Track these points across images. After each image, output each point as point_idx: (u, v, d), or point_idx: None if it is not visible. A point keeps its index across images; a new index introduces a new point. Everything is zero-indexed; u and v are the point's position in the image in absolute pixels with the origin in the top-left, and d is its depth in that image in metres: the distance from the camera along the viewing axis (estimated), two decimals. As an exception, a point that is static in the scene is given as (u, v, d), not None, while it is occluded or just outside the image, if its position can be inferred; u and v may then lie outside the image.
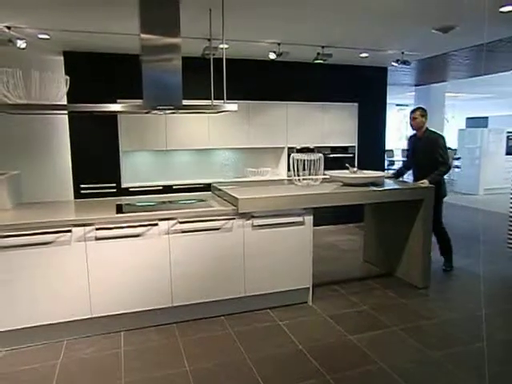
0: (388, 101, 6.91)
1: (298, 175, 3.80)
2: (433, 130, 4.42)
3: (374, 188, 3.76)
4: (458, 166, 10.81)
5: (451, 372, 2.62)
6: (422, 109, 4.37)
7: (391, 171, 5.15)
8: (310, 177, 3.82)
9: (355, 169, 4.12)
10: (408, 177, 4.89)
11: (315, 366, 2.67)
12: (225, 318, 3.33)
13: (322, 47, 5.08)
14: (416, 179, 4.33)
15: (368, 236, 4.75)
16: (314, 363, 2.70)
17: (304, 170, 3.80)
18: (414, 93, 9.79)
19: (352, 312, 3.47)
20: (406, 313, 3.45)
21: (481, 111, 13.95)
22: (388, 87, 6.85)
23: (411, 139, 4.58)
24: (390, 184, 4.18)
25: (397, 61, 5.50)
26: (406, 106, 14.84)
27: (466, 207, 8.23)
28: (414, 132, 4.46)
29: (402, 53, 5.46)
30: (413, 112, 4.36)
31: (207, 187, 4.25)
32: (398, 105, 14.91)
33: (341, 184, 3.93)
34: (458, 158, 10.72)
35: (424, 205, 3.83)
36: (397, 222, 4.17)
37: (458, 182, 10.39)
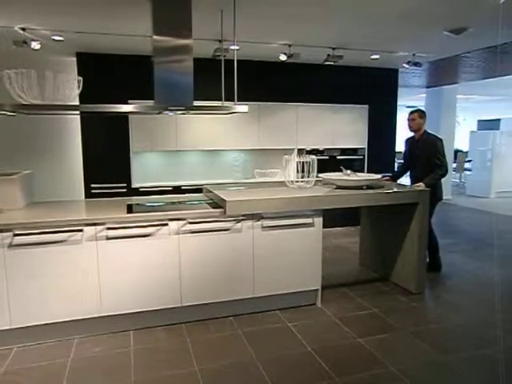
0: (398, 102, 6.87)
1: (303, 177, 3.75)
2: (431, 132, 4.36)
3: (367, 191, 3.67)
4: (469, 169, 10.71)
5: (463, 377, 2.59)
6: (421, 110, 4.32)
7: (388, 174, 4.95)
8: (303, 179, 3.76)
9: (349, 171, 4.00)
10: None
11: (324, 368, 2.66)
12: (233, 319, 3.33)
13: (333, 49, 5.07)
14: (414, 181, 4.26)
15: (363, 240, 4.65)
16: (323, 365, 2.69)
17: (297, 172, 3.74)
18: (425, 95, 9.72)
19: (361, 314, 3.45)
20: (416, 316, 3.42)
21: (493, 113, 13.79)
22: (399, 89, 6.81)
23: (409, 141, 4.52)
24: (385, 187, 4.03)
25: (408, 62, 5.48)
26: (417, 107, 14.76)
27: (477, 210, 8.13)
28: (412, 134, 4.41)
29: (414, 54, 5.43)
30: (411, 113, 4.31)
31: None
32: (408, 106, 14.80)
33: (334, 187, 3.84)
34: (469, 161, 10.62)
35: (419, 208, 3.74)
36: (392, 225, 4.08)
37: (469, 184, 10.29)
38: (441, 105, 9.21)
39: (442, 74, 7.48)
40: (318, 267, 3.52)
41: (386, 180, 4.47)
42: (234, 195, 3.38)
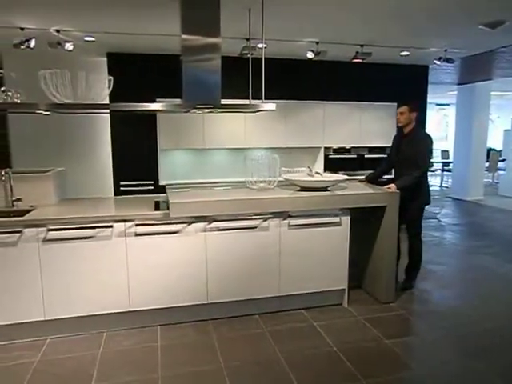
0: (428, 100, 6.69)
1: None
2: (423, 129, 4.00)
3: (327, 193, 3.43)
4: (502, 169, 10.34)
5: (493, 382, 2.50)
6: (411, 103, 3.85)
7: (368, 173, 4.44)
8: (266, 179, 3.60)
9: (314, 172, 3.77)
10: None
11: (349, 368, 2.63)
12: (259, 317, 3.34)
13: (361, 46, 4.99)
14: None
15: None
16: (348, 366, 2.66)
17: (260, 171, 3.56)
18: (455, 92, 9.43)
19: (389, 316, 3.39)
20: (446, 319, 3.33)
21: (529, 111, 13.24)
22: (428, 86, 6.63)
23: (396, 137, 4.09)
24: (354, 188, 3.73)
25: (439, 59, 5.32)
26: (447, 105, 14.35)
27: (511, 211, 7.84)
28: (405, 130, 3.92)
29: (446, 50, 5.27)
30: (400, 106, 3.83)
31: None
32: (438, 104, 14.42)
33: (298, 188, 3.58)
34: (503, 160, 10.24)
35: (387, 212, 3.48)
36: (362, 229, 3.77)
37: (503, 184, 9.91)
38: (473, 102, 8.90)
39: (476, 70, 7.23)
40: (345, 267, 3.48)
41: (360, 181, 4.15)
42: (182, 197, 3.26)
